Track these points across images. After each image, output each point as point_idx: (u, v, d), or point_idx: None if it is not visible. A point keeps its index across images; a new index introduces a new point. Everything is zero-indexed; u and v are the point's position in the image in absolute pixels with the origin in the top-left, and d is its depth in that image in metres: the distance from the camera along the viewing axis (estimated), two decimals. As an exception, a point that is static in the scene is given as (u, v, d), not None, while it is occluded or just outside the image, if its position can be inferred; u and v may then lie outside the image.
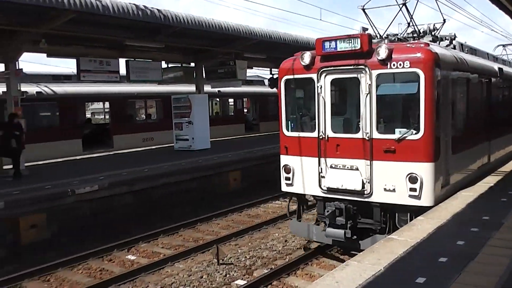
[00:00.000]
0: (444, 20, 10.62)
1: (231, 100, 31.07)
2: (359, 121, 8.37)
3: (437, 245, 6.03)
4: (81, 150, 20.65)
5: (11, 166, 14.29)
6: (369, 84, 8.13)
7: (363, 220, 8.61)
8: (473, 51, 11.90)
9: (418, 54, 7.81)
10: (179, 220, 12.84)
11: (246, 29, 18.55)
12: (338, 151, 8.61)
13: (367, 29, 9.49)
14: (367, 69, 8.14)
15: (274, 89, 10.06)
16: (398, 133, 8.00)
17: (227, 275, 9.01)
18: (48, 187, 12.23)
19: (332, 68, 8.61)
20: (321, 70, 8.71)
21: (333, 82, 8.80)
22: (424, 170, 7.77)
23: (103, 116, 34.58)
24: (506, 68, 13.11)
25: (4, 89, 15.19)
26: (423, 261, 5.43)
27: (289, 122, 9.50)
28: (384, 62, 7.95)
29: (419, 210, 7.72)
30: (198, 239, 11.60)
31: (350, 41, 8.19)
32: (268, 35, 19.59)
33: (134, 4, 14.24)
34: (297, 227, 9.76)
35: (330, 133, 8.75)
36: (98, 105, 36.94)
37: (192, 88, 22.72)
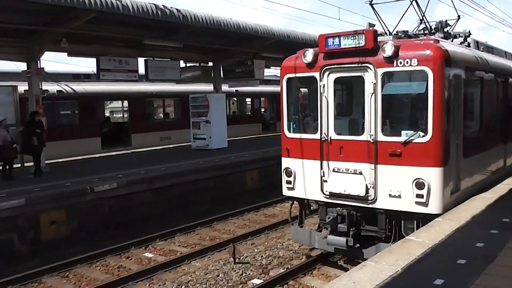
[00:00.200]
0: (459, 17, 10.23)
1: (248, 100, 31.14)
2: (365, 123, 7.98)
3: (455, 246, 5.96)
4: (100, 148, 20.91)
5: (32, 164, 14.54)
6: (374, 83, 7.68)
7: (367, 227, 8.18)
8: (490, 49, 11.35)
9: (427, 52, 7.34)
10: (196, 218, 12.92)
11: (264, 29, 18.59)
12: (342, 154, 8.17)
13: (374, 25, 8.98)
14: (372, 67, 7.69)
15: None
16: (404, 136, 7.55)
17: (243, 274, 9.03)
18: (68, 184, 12.41)
19: (335, 66, 8.16)
20: (324, 68, 8.27)
21: (336, 81, 8.35)
22: (432, 175, 7.31)
23: (121, 115, 34.88)
24: None
25: (26, 88, 15.46)
26: (441, 263, 5.37)
27: (291, 122, 9.07)
28: (390, 60, 7.49)
29: (426, 218, 7.25)
30: (214, 237, 11.65)
31: (354, 38, 7.72)
32: (286, 34, 19.59)
33: (153, 3, 14.38)
34: (299, 234, 9.31)
35: (333, 135, 8.31)
36: (117, 104, 37.25)
37: (210, 87, 22.82)
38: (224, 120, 20.65)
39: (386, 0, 10.05)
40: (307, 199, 9.03)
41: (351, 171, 8.08)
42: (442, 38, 9.15)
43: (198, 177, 14.73)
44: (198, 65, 21.82)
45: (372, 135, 7.76)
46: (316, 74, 8.37)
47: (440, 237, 6.22)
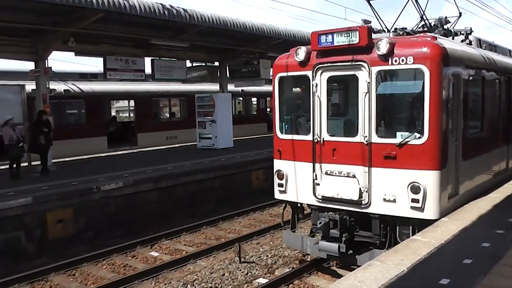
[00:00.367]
0: (460, 14, 9.98)
1: (254, 99, 31.14)
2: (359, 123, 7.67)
3: (461, 246, 5.95)
4: (106, 147, 21.00)
5: (39, 162, 14.63)
6: (368, 82, 7.34)
7: (361, 232, 7.87)
8: (493, 47, 11.05)
9: (424, 49, 6.99)
10: (202, 218, 12.95)
11: (271, 29, 18.58)
12: (335, 156, 7.83)
13: (369, 21, 8.56)
14: (366, 66, 7.36)
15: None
16: (399, 137, 7.20)
17: (249, 273, 9.05)
18: (74, 183, 12.48)
19: (328, 64, 7.83)
20: (317, 67, 7.94)
21: (330, 80, 8.03)
22: (428, 179, 6.98)
23: (127, 114, 34.96)
24: None
25: (34, 87, 15.55)
26: (447, 263, 5.37)
27: (283, 123, 8.75)
28: (385, 58, 7.15)
29: (422, 224, 6.97)
30: (220, 237, 11.68)
31: (348, 35, 7.38)
32: (292, 34, 19.57)
33: (160, 3, 14.42)
34: (290, 239, 9.00)
35: (325, 136, 7.99)
36: (123, 103, 37.38)
37: (216, 87, 22.85)
38: (230, 119, 20.67)
39: None
40: (300, 203, 8.78)
41: (344, 174, 7.78)
42: (442, 35, 8.90)
43: (204, 177, 14.76)
44: (204, 64, 21.85)
45: (366, 136, 7.46)
46: (309, 73, 8.07)
47: (446, 237, 6.20)
